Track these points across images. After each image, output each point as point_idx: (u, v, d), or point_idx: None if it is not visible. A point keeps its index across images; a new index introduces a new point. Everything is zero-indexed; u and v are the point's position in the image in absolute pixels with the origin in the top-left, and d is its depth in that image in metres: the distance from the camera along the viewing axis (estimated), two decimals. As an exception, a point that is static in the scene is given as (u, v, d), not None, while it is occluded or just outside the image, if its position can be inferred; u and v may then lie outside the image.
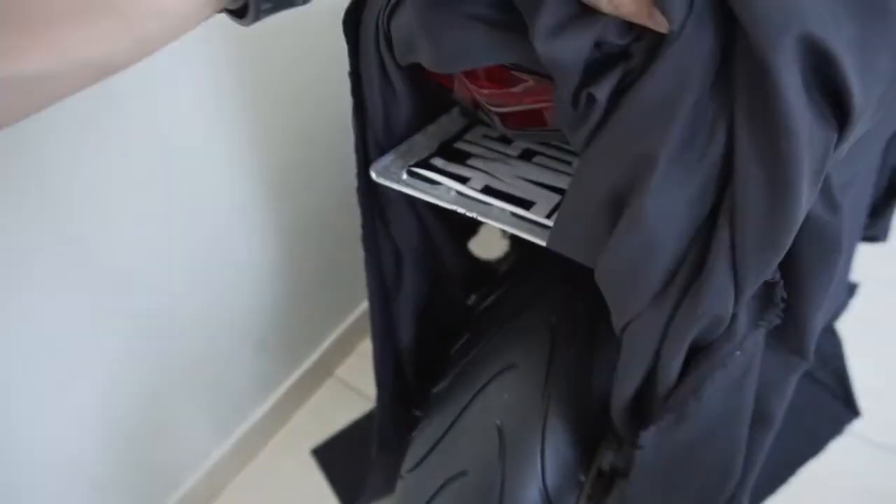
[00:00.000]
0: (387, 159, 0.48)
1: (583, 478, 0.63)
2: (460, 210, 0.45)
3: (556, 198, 0.46)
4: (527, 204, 0.45)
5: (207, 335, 0.90)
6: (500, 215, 0.45)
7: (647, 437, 0.47)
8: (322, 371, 1.13)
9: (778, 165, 0.31)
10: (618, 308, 0.42)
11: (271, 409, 1.05)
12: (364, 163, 0.51)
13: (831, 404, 1.04)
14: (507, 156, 0.50)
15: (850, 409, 1.04)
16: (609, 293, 0.42)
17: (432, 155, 0.49)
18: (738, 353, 0.44)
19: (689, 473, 0.52)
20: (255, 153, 0.85)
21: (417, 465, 0.63)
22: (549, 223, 0.44)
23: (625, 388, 0.48)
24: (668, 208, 0.34)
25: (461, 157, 0.49)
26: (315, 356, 1.11)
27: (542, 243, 0.43)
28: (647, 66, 0.31)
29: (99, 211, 0.69)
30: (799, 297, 0.42)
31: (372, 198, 0.55)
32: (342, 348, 1.15)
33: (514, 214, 0.44)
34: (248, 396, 1.02)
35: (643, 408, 0.51)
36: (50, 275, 0.66)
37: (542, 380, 0.61)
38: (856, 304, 1.14)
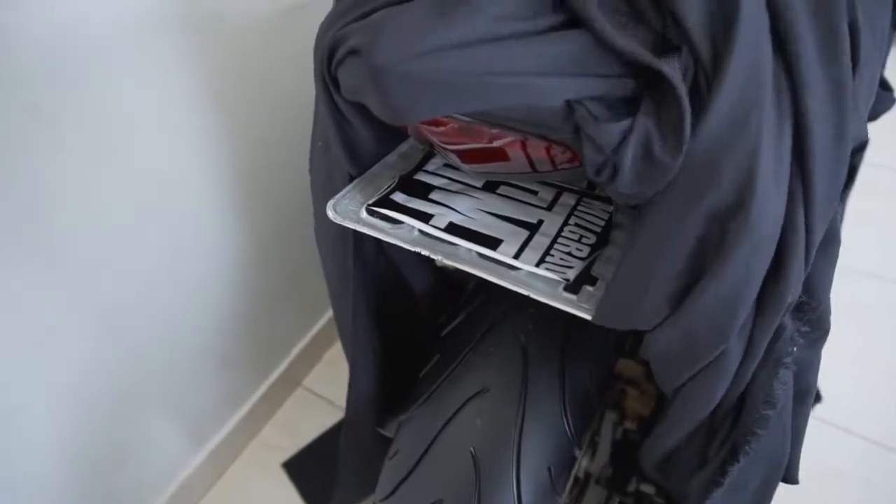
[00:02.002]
0: (346, 196, 0.46)
1: (560, 498, 0.62)
2: (424, 252, 0.43)
3: (523, 233, 0.45)
4: (494, 242, 0.43)
5: (171, 351, 0.87)
6: (466, 256, 0.43)
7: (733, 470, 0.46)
8: (290, 382, 1.11)
9: (839, 92, 0.31)
10: (685, 363, 0.41)
11: (240, 423, 1.03)
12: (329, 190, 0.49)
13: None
14: (471, 187, 0.48)
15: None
16: (674, 356, 0.40)
17: (393, 189, 0.47)
18: (794, 349, 0.43)
19: (752, 476, 0.51)
20: (215, 166, 0.81)
21: (391, 493, 0.61)
22: (518, 264, 0.42)
23: (675, 437, 0.47)
24: (771, 208, 0.33)
25: (423, 191, 0.47)
26: (282, 367, 1.08)
27: (508, 286, 0.41)
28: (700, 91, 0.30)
29: (57, 225, 0.65)
30: (816, 286, 0.42)
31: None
32: (309, 358, 1.13)
33: (480, 255, 0.42)
34: (215, 412, 1.00)
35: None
36: (4, 292, 0.63)
37: (516, 402, 0.60)
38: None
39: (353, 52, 0.29)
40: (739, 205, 0.32)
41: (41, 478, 0.76)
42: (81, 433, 0.78)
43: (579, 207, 0.48)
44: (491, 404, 0.60)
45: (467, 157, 0.43)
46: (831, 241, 0.40)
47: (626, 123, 0.31)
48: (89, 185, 0.67)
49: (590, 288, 0.41)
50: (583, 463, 0.74)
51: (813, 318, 0.42)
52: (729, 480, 0.46)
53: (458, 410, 0.60)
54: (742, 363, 0.40)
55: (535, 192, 0.48)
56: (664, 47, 0.30)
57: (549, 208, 0.47)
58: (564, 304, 0.40)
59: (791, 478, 0.53)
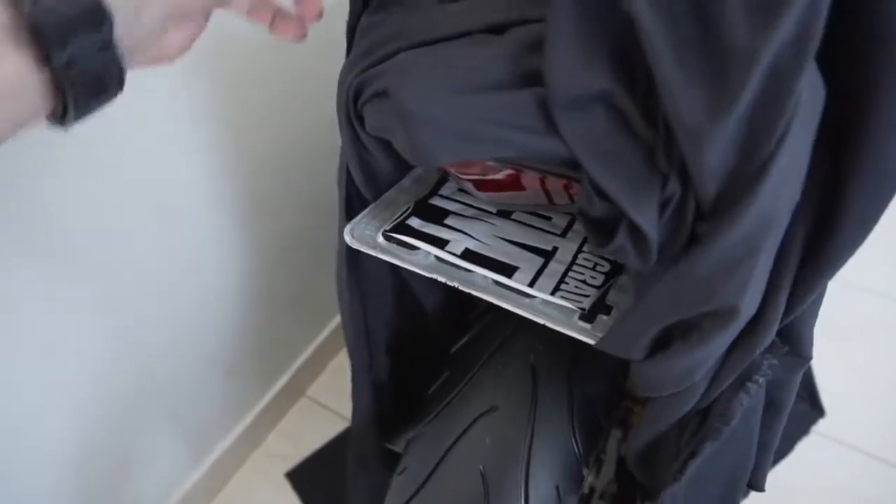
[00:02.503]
0: (362, 221, 0.46)
1: (568, 515, 0.63)
2: (440, 279, 0.43)
3: (538, 260, 0.45)
4: (509, 270, 0.44)
5: (177, 360, 0.88)
6: (482, 283, 0.43)
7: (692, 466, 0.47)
8: (294, 391, 1.11)
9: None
10: (657, 389, 0.42)
11: (244, 433, 1.03)
12: (347, 211, 0.50)
13: (798, 405, 1.07)
14: (486, 212, 0.49)
15: (815, 409, 1.06)
16: (650, 383, 0.42)
17: (409, 214, 0.47)
18: (761, 379, 0.44)
19: (713, 477, 0.53)
20: (221, 179, 0.82)
21: (400, 511, 0.62)
22: (533, 292, 0.42)
23: (649, 434, 0.48)
24: (756, 300, 0.34)
25: (438, 216, 0.48)
26: (287, 377, 1.09)
27: (524, 314, 0.42)
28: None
29: (64, 240, 0.66)
30: (795, 335, 0.43)
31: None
32: (313, 367, 1.14)
33: (496, 283, 0.43)
34: (220, 421, 1.00)
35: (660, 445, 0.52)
36: (10, 306, 0.63)
37: (525, 421, 0.60)
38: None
39: (381, 93, 0.29)
40: (731, 310, 0.33)
41: (47, 490, 0.76)
42: (87, 445, 0.78)
43: None
44: (500, 423, 0.60)
45: (483, 186, 0.43)
46: (816, 299, 0.41)
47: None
48: (97, 199, 0.67)
49: (605, 317, 0.42)
50: (588, 479, 0.74)
51: (785, 355, 0.43)
52: (687, 478, 0.48)
53: (467, 429, 0.61)
54: (707, 390, 0.43)
55: (548, 219, 0.49)
56: (649, 165, 0.30)
57: (563, 234, 0.47)
58: (579, 333, 0.41)
59: (756, 485, 0.55)
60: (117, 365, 0.78)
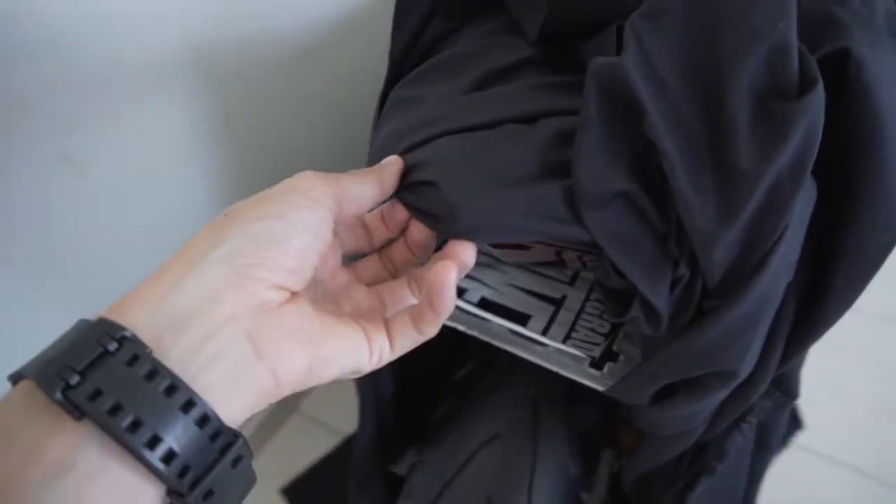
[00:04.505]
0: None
1: (570, 538, 0.65)
2: (461, 328, 0.46)
3: (549, 308, 0.48)
4: (523, 318, 0.46)
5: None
6: (498, 331, 0.46)
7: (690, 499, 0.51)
8: (287, 407, 1.13)
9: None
10: (656, 429, 0.45)
11: (238, 450, 1.04)
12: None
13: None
14: (498, 259, 0.51)
15: (795, 422, 1.10)
16: (649, 425, 0.45)
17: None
18: (755, 420, 0.48)
19: (708, 501, 0.57)
20: (222, 198, 0.83)
21: (405, 537, 0.64)
22: (546, 341, 0.45)
23: (646, 466, 0.52)
24: (754, 361, 0.37)
25: (455, 264, 0.50)
26: (280, 393, 1.10)
27: (538, 362, 0.45)
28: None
29: (81, 272, 0.67)
30: (785, 384, 0.47)
31: None
32: (307, 382, 1.15)
33: (512, 331, 0.46)
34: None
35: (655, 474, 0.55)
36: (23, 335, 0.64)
37: (528, 448, 0.63)
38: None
39: (429, 183, 0.31)
40: (731, 373, 0.36)
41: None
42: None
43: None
44: (504, 451, 0.63)
45: (497, 244, 0.46)
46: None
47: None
48: (115, 230, 0.68)
49: (612, 364, 0.45)
50: (582, 497, 0.78)
51: (776, 399, 0.47)
52: None
53: (471, 456, 0.63)
54: (705, 431, 0.46)
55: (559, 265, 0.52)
56: (662, 251, 0.33)
57: (572, 283, 0.50)
58: (590, 381, 0.44)
59: None
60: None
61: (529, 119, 0.33)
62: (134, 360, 0.24)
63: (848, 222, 0.33)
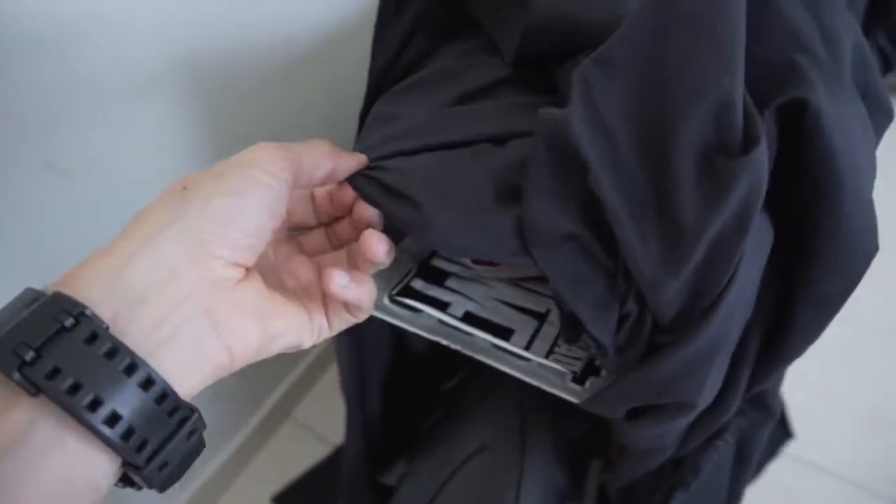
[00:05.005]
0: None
1: (556, 549, 0.66)
2: (443, 342, 0.46)
3: (533, 322, 0.48)
4: (506, 332, 0.47)
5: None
6: (482, 345, 0.46)
7: None
8: (281, 413, 1.13)
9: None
10: (631, 443, 0.46)
11: (231, 456, 1.04)
12: None
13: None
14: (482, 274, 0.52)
15: (784, 431, 1.10)
16: (624, 438, 0.45)
17: (413, 276, 0.50)
18: (730, 438, 0.49)
19: None
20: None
21: (392, 548, 0.64)
22: (529, 356, 0.45)
23: (625, 480, 0.52)
24: (715, 392, 0.37)
25: (440, 277, 0.50)
26: (274, 398, 1.10)
27: (520, 376, 0.45)
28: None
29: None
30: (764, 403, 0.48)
31: None
32: (300, 389, 1.15)
33: (494, 346, 0.46)
34: (207, 444, 1.01)
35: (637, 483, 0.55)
36: None
37: (515, 459, 0.63)
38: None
39: (407, 198, 0.32)
40: (689, 404, 0.37)
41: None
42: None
43: None
44: (491, 462, 0.63)
45: (477, 261, 0.46)
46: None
47: None
48: (102, 239, 0.68)
49: (595, 378, 0.45)
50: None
51: (753, 412, 0.47)
52: None
53: (459, 467, 0.63)
54: (678, 448, 0.47)
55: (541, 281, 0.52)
56: (610, 289, 0.33)
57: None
58: (571, 395, 0.44)
59: None
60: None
61: (502, 139, 0.34)
62: (93, 338, 0.24)
63: (807, 267, 0.33)
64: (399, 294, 0.48)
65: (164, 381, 0.25)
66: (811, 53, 0.32)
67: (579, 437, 0.72)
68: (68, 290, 0.25)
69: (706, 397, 0.36)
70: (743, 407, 0.44)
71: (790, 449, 1.07)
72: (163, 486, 0.26)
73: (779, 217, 0.33)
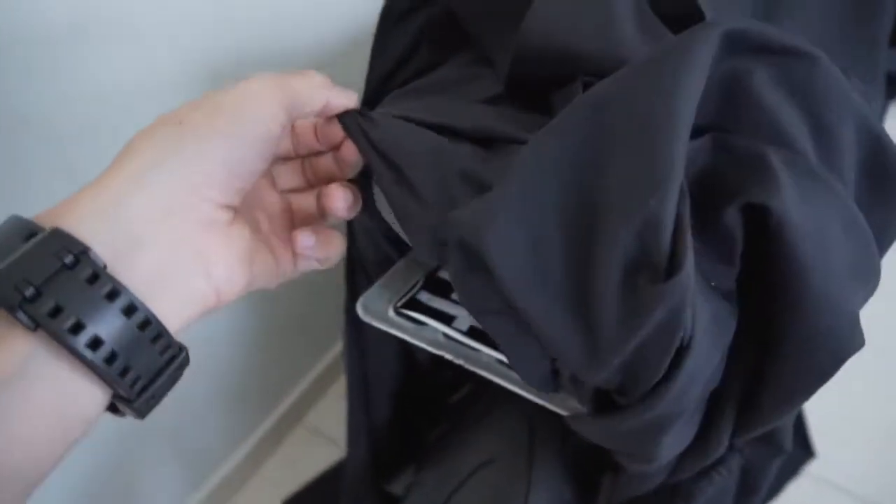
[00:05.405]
0: (374, 292, 0.49)
1: (561, 566, 0.65)
2: (447, 356, 0.45)
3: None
4: (511, 348, 0.46)
5: (176, 387, 0.89)
6: (487, 362, 0.45)
7: None
8: (294, 418, 1.13)
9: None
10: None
11: (244, 459, 1.05)
12: (351, 273, 0.52)
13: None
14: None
15: (806, 450, 1.08)
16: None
17: (419, 288, 0.49)
18: (726, 471, 0.47)
19: None
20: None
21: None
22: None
23: (624, 498, 0.51)
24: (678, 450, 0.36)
25: (446, 290, 0.50)
26: (287, 404, 1.10)
27: (523, 394, 0.44)
28: None
29: None
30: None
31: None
32: (314, 394, 1.15)
33: (499, 362, 0.45)
34: (220, 447, 1.02)
35: None
36: None
37: (522, 473, 0.62)
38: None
39: (387, 157, 0.32)
40: (648, 458, 0.36)
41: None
42: (88, 472, 0.80)
43: None
44: (498, 475, 0.62)
45: None
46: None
47: None
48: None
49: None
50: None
51: (759, 446, 0.46)
52: None
53: (465, 479, 0.63)
54: (668, 478, 0.45)
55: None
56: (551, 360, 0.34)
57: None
58: (571, 412, 0.43)
59: None
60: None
61: (485, 143, 0.33)
62: (94, 278, 0.24)
63: (773, 358, 0.32)
64: (404, 307, 0.47)
65: (160, 324, 0.26)
66: (790, 147, 0.30)
67: (588, 452, 0.71)
68: (65, 227, 0.25)
69: (665, 456, 0.35)
70: (737, 444, 0.42)
71: (811, 468, 1.04)
72: (144, 415, 0.28)
73: (748, 302, 0.32)
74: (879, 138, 0.32)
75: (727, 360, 0.33)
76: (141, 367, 0.26)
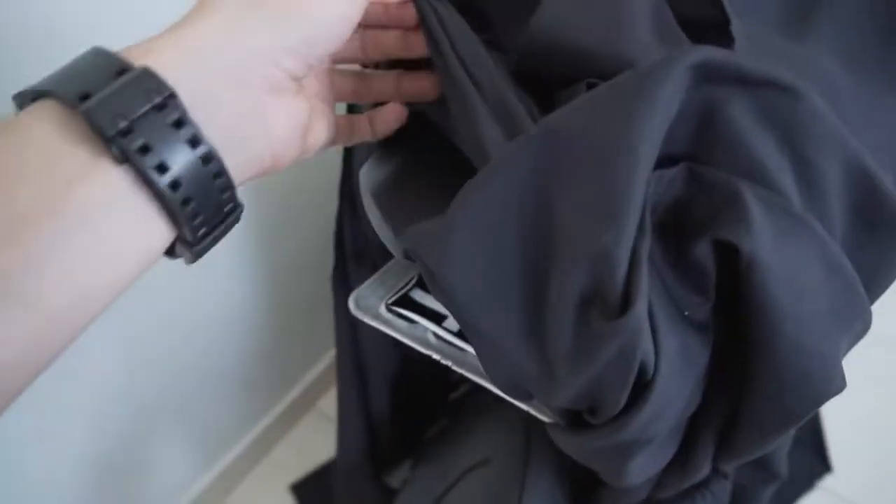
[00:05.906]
0: (368, 288, 0.48)
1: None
2: (435, 356, 0.45)
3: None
4: (500, 351, 0.45)
5: (191, 369, 0.91)
6: (474, 364, 0.44)
7: None
8: (305, 404, 1.14)
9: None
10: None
11: (254, 442, 1.06)
12: (341, 258, 0.51)
13: (804, 457, 1.06)
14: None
15: (822, 463, 1.05)
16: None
17: (413, 286, 0.49)
18: (710, 495, 0.46)
19: None
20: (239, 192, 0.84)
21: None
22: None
23: None
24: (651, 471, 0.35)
25: (440, 288, 0.49)
26: (299, 389, 1.11)
27: (507, 398, 0.43)
28: None
29: None
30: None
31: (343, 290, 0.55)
32: (325, 381, 1.16)
33: (486, 364, 0.44)
34: (231, 429, 1.03)
35: None
36: None
37: (516, 477, 0.62)
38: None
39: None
40: (617, 478, 0.34)
41: (71, 488, 0.80)
42: (99, 452, 0.82)
43: None
44: (491, 477, 0.62)
45: None
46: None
47: None
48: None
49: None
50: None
51: (752, 472, 0.44)
52: None
53: (458, 480, 0.62)
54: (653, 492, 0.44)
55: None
56: None
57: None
58: (552, 422, 0.42)
59: None
60: (133, 375, 0.81)
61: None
62: (179, 123, 0.25)
63: (748, 392, 0.30)
64: (395, 303, 0.47)
65: (229, 177, 0.27)
66: (768, 182, 0.28)
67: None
68: (155, 67, 0.25)
69: (637, 477, 0.33)
70: (722, 469, 0.41)
71: (826, 483, 1.02)
72: (195, 259, 0.29)
73: (727, 331, 0.30)
74: (872, 178, 0.29)
75: (708, 385, 0.31)
76: (207, 214, 0.27)
